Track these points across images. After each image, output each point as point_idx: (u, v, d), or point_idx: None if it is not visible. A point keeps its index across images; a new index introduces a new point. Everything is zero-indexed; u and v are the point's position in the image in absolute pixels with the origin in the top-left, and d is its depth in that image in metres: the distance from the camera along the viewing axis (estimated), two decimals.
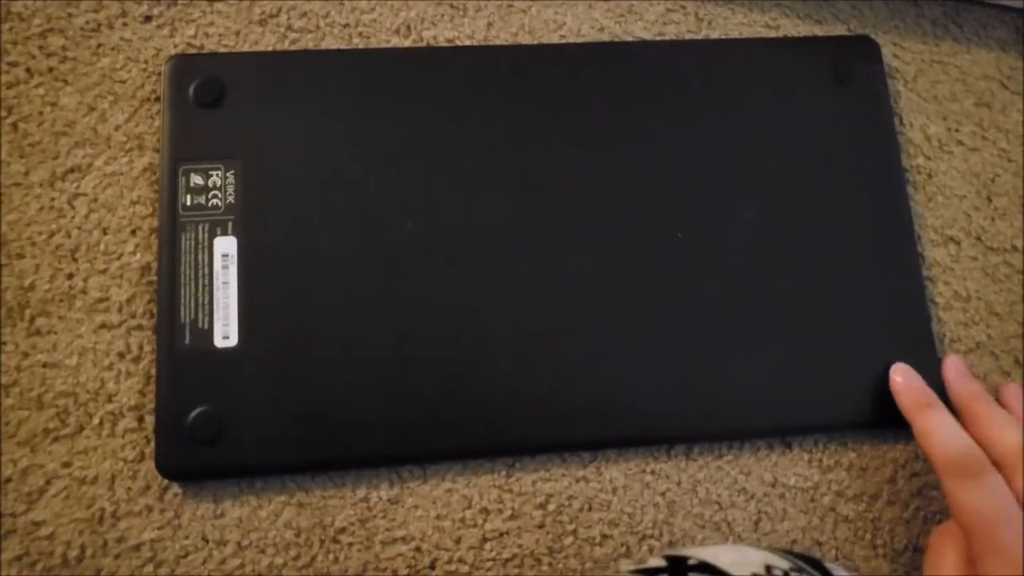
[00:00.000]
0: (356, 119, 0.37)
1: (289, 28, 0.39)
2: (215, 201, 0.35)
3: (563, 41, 0.40)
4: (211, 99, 0.36)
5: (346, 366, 0.34)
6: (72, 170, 0.37)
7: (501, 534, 0.35)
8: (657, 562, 0.23)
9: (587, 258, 0.36)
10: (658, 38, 0.40)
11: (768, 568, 0.22)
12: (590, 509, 0.35)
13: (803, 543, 0.35)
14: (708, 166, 0.38)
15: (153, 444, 0.33)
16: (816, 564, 0.27)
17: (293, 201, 0.36)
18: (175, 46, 0.38)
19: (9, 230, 0.36)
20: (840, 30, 0.42)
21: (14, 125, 0.37)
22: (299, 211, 0.36)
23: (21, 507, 0.33)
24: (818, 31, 0.41)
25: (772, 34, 0.41)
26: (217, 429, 0.33)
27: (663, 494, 0.36)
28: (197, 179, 0.36)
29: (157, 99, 0.38)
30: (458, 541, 0.34)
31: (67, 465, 0.34)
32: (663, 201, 0.37)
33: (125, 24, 0.38)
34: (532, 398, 0.35)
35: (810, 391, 0.36)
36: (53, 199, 0.36)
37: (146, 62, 0.38)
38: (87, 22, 0.38)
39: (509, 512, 0.35)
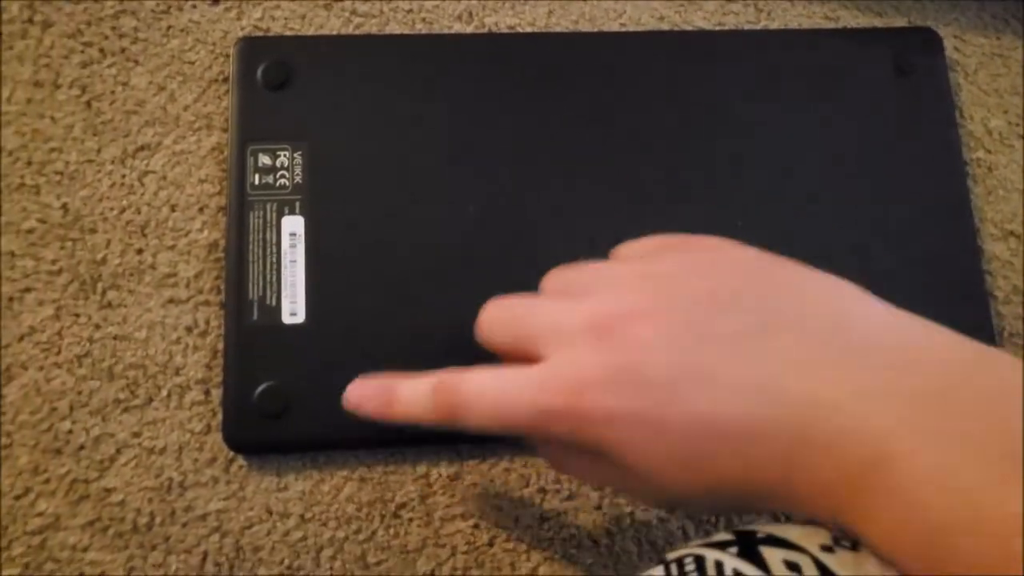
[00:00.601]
0: (419, 103, 0.38)
1: (353, 13, 0.40)
2: (283, 181, 0.36)
3: (623, 30, 0.40)
4: (279, 81, 0.37)
5: (409, 344, 0.35)
6: (142, 148, 0.37)
7: (559, 514, 0.35)
8: (725, 536, 0.23)
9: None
10: (717, 28, 0.41)
11: (836, 539, 0.22)
12: None
13: None
14: (768, 157, 0.38)
15: (220, 417, 0.34)
16: None
17: (358, 182, 0.36)
18: (242, 28, 0.39)
19: (82, 205, 0.36)
20: (900, 23, 0.42)
21: (88, 103, 0.38)
22: (364, 192, 0.36)
23: (93, 474, 0.34)
24: (878, 23, 0.41)
25: (831, 26, 0.41)
26: (283, 404, 0.34)
27: None
28: (265, 159, 0.36)
29: (225, 80, 0.38)
30: (516, 520, 0.35)
31: (137, 435, 0.34)
32: (722, 193, 0.37)
33: (194, 7, 0.39)
34: None
35: None
36: (124, 176, 0.37)
37: (214, 44, 0.39)
38: (157, 4, 0.39)
39: (567, 492, 0.35)
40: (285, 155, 0.36)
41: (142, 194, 0.37)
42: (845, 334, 0.23)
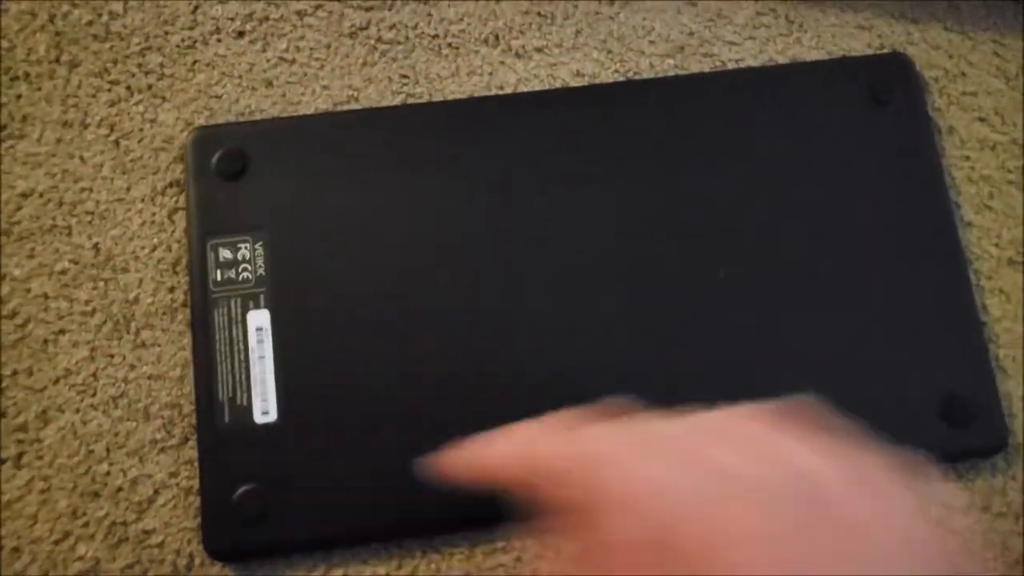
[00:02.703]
0: (380, 179, 0.36)
1: (379, 40, 0.39)
2: (245, 274, 0.35)
3: (617, 79, 0.39)
4: (234, 170, 0.36)
5: (388, 436, 0.34)
6: (171, 185, 0.37)
7: None
8: None
9: (629, 298, 0.35)
10: (716, 68, 0.40)
11: None
12: None
13: None
14: (747, 199, 0.37)
15: (200, 527, 0.33)
16: None
17: (323, 268, 0.35)
18: (267, 60, 0.39)
19: (113, 244, 0.36)
20: (937, 28, 0.40)
21: (116, 142, 0.38)
22: (330, 280, 0.35)
23: (132, 516, 0.34)
24: (914, 31, 0.40)
25: (866, 35, 0.40)
26: (263, 507, 0.33)
27: None
28: (226, 253, 0.35)
29: (251, 112, 0.38)
30: (559, 552, 0.34)
31: (174, 475, 0.34)
32: (703, 239, 0.36)
33: (219, 40, 0.39)
34: None
35: (864, 427, 0.34)
36: (154, 214, 0.37)
37: (240, 76, 0.39)
38: (183, 39, 0.39)
39: None
40: (246, 247, 0.35)
41: (172, 231, 0.37)
42: None
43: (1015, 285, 0.37)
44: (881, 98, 0.38)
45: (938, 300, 0.36)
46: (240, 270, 0.35)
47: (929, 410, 0.35)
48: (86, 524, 0.33)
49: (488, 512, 0.34)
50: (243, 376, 0.34)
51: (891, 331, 0.36)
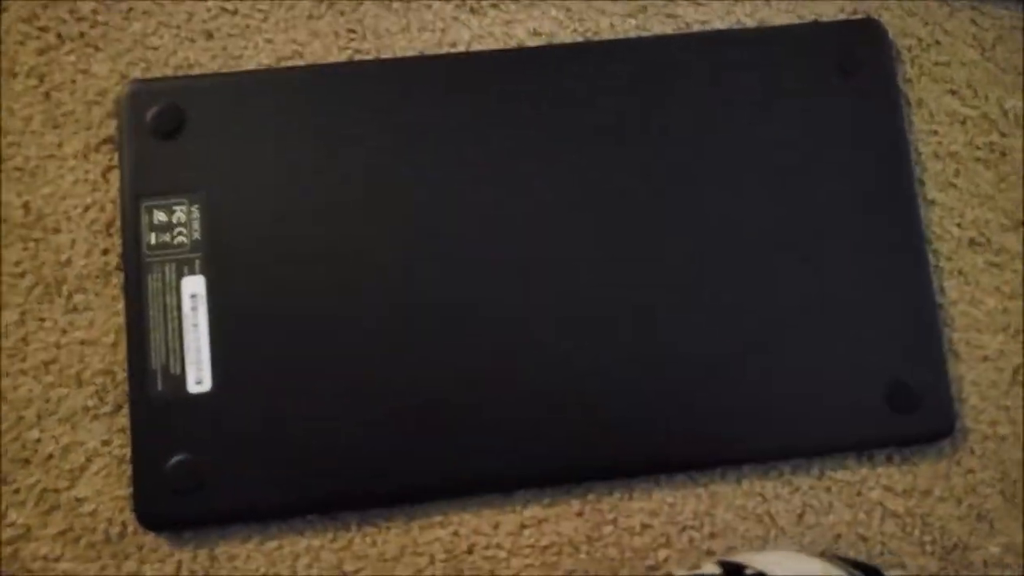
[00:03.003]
0: (323, 141, 0.35)
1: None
2: (181, 238, 0.34)
3: (542, 43, 0.37)
4: (170, 127, 0.34)
5: (323, 407, 0.33)
6: (105, 141, 0.36)
7: (540, 521, 0.34)
8: (712, 569, 0.22)
9: (576, 275, 0.35)
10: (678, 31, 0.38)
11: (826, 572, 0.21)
12: (630, 498, 0.34)
13: (848, 538, 0.34)
14: (708, 168, 0.36)
15: (132, 497, 0.33)
16: (875, 573, 0.26)
17: (261, 234, 0.34)
18: (207, 10, 0.37)
19: (44, 203, 0.35)
20: None
21: (46, 94, 0.36)
22: (268, 244, 0.34)
23: (64, 483, 0.33)
24: (893, 5, 0.38)
25: (851, 5, 0.38)
26: (196, 477, 0.32)
27: (705, 485, 0.35)
28: (160, 215, 0.34)
29: (190, 66, 0.36)
30: (496, 527, 0.34)
31: (107, 443, 0.34)
32: (654, 209, 0.35)
33: None
34: (513, 430, 0.33)
35: (810, 413, 0.34)
36: (87, 171, 0.35)
37: (178, 27, 0.37)
38: None
39: (548, 499, 0.34)
40: (182, 209, 0.34)
41: (106, 191, 0.35)
42: None
43: (974, 267, 0.37)
44: (849, 68, 0.36)
45: (894, 281, 0.35)
46: (175, 234, 0.34)
47: (876, 394, 0.35)
48: (17, 491, 0.33)
49: (426, 487, 0.34)
50: (177, 344, 0.33)
51: (843, 311, 0.35)
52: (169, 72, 0.36)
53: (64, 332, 0.34)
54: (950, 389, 0.35)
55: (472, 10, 0.37)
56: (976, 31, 0.39)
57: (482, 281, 0.34)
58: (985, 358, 0.36)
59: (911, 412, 0.34)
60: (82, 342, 0.34)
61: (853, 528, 0.35)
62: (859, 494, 0.35)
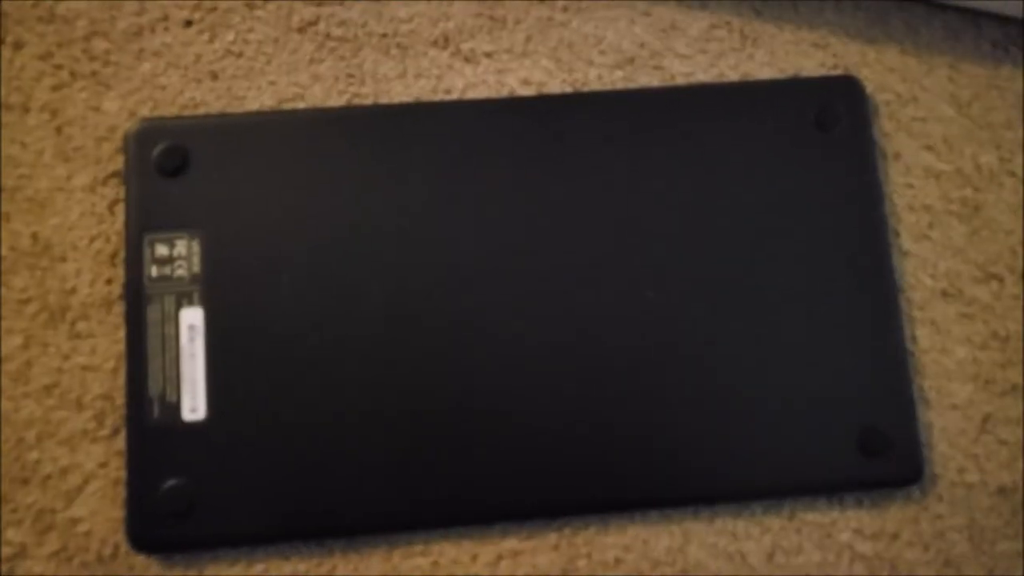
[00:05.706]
0: (321, 182, 0.36)
1: (328, 37, 0.39)
2: (181, 272, 0.35)
3: (533, 92, 0.39)
4: (174, 166, 0.36)
5: (314, 438, 0.34)
6: (113, 175, 0.37)
7: (516, 553, 0.35)
8: None
9: (555, 318, 0.36)
10: (666, 86, 0.39)
11: None
12: (606, 533, 0.36)
13: None
14: (679, 223, 0.37)
15: (125, 519, 0.34)
16: None
17: (259, 269, 0.36)
18: (214, 52, 0.39)
19: (52, 233, 0.37)
20: (894, 51, 0.40)
21: (58, 129, 0.38)
22: (266, 280, 0.35)
23: (60, 504, 0.35)
24: (869, 51, 0.40)
25: (820, 54, 0.40)
26: (188, 502, 0.34)
27: (679, 522, 0.36)
28: (162, 249, 0.35)
29: (196, 105, 0.38)
30: (474, 557, 0.35)
31: (104, 465, 0.35)
32: (634, 256, 0.36)
33: (167, 28, 0.39)
34: (494, 464, 0.35)
35: (782, 455, 0.35)
36: (94, 204, 0.37)
37: (186, 67, 0.38)
38: (130, 26, 0.39)
39: (525, 532, 0.35)
40: (183, 244, 0.35)
41: (112, 223, 0.37)
42: None
43: (946, 317, 0.38)
44: (826, 123, 0.38)
45: (868, 329, 0.37)
46: (175, 267, 0.36)
47: (848, 438, 0.36)
48: (15, 510, 0.34)
49: (409, 516, 0.35)
50: (174, 373, 0.35)
51: (817, 357, 0.36)
52: (176, 110, 0.38)
53: (66, 357, 0.36)
54: (920, 436, 0.36)
55: (466, 59, 0.39)
56: (953, 88, 0.40)
57: (467, 323, 0.36)
58: (954, 406, 0.37)
59: (881, 457, 0.35)
60: (83, 367, 0.36)
61: (822, 569, 0.36)
62: (829, 536, 0.36)
